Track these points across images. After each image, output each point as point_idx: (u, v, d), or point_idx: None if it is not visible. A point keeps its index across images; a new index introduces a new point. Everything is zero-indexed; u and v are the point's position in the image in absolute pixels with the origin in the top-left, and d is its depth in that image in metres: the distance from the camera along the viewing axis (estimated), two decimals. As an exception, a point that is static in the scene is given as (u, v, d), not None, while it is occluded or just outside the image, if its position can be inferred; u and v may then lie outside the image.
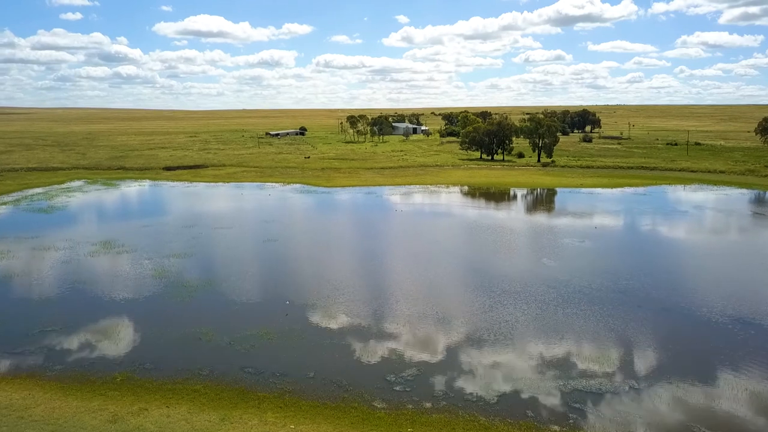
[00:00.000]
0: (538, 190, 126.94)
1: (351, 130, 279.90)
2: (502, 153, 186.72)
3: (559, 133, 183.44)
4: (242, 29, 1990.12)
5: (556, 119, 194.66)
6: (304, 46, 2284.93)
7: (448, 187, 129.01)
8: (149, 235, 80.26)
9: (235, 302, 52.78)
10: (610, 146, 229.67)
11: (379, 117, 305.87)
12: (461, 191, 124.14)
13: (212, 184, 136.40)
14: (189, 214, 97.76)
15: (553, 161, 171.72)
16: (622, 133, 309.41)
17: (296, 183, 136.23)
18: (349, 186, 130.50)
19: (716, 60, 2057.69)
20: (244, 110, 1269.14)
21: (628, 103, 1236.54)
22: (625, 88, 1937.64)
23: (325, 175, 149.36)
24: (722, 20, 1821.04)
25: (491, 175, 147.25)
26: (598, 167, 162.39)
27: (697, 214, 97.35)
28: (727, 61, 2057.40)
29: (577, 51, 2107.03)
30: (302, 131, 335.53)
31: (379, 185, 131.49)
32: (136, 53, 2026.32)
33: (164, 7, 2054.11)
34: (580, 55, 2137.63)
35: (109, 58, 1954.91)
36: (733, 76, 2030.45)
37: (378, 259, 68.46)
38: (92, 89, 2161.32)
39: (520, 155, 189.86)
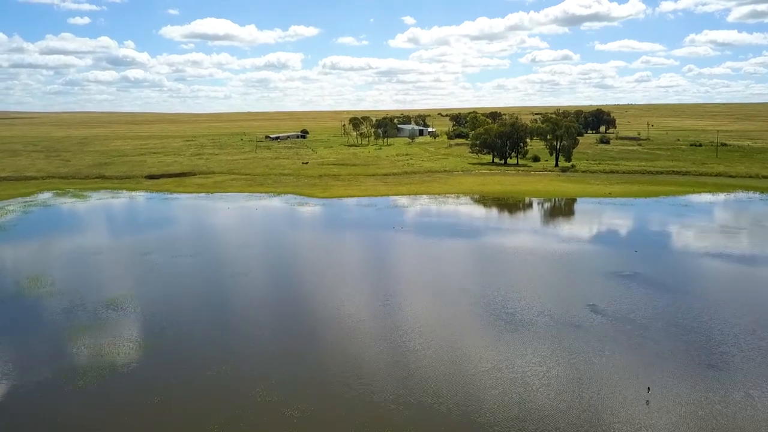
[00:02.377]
0: (561, 200, 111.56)
1: (354, 133, 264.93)
2: (516, 156, 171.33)
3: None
4: (249, 32, 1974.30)
5: (574, 119, 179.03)
6: (310, 48, 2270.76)
7: (458, 197, 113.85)
8: (93, 268, 65.57)
9: (160, 389, 37.47)
10: (629, 148, 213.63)
11: (384, 118, 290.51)
12: (473, 202, 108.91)
13: (194, 195, 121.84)
14: (153, 235, 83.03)
15: (572, 165, 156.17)
16: (639, 134, 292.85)
17: (288, 193, 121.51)
18: (347, 196, 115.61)
19: (725, 58, 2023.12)
20: (248, 113, 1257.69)
21: (636, 103, 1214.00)
22: (632, 87, 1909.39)
23: (322, 183, 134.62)
24: (731, 18, 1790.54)
25: (506, 182, 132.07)
26: (623, 172, 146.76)
27: None
28: (736, 59, 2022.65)
29: (584, 51, 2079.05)
30: (303, 134, 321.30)
31: (381, 195, 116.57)
32: (143, 57, 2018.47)
33: (171, 11, 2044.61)
34: (587, 55, 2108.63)
35: (117, 62, 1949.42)
36: (742, 74, 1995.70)
37: (372, 307, 53.31)
38: (100, 93, 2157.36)
39: (536, 159, 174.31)
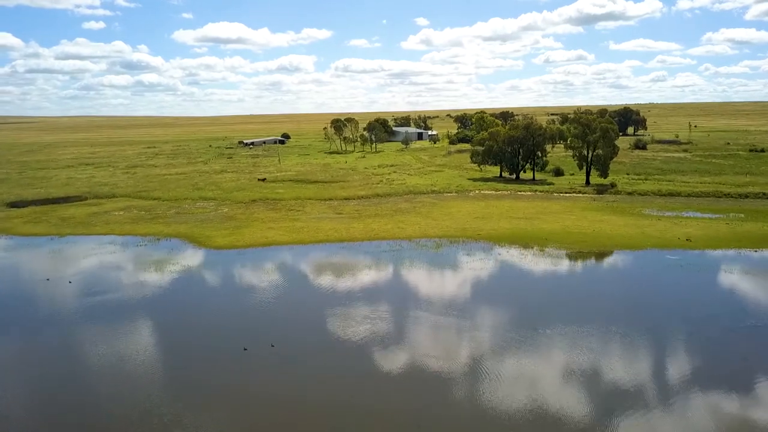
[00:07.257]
0: (609, 257, 66.44)
1: (337, 138, 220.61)
2: (532, 169, 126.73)
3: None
4: (261, 35, 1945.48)
5: (611, 120, 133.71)
6: (323, 50, 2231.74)
7: (438, 246, 69.34)
8: None
9: None
10: (674, 154, 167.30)
11: (376, 120, 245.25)
12: (457, 264, 63.93)
13: (31, 240, 78.83)
14: None
15: (612, 184, 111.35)
16: (677, 136, 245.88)
17: (178, 236, 78.03)
18: (261, 245, 71.74)
19: (743, 57, 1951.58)
20: (250, 116, 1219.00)
21: (652, 102, 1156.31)
22: (648, 87, 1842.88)
23: (245, 215, 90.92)
24: (748, 16, 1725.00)
25: (517, 212, 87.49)
26: (688, 194, 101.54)
27: None
28: (754, 57, 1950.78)
29: (598, 50, 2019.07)
30: (283, 139, 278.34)
31: (317, 241, 72.65)
32: (157, 61, 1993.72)
33: (184, 15, 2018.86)
34: (602, 55, 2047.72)
35: (131, 66, 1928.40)
36: (761, 73, 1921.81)
37: None
38: (115, 97, 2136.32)
39: (558, 172, 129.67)
